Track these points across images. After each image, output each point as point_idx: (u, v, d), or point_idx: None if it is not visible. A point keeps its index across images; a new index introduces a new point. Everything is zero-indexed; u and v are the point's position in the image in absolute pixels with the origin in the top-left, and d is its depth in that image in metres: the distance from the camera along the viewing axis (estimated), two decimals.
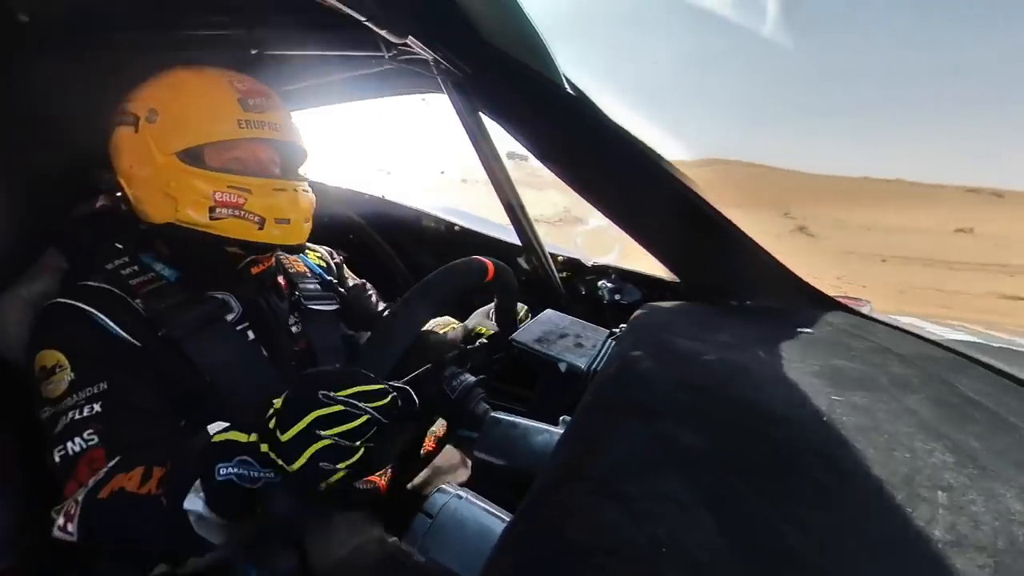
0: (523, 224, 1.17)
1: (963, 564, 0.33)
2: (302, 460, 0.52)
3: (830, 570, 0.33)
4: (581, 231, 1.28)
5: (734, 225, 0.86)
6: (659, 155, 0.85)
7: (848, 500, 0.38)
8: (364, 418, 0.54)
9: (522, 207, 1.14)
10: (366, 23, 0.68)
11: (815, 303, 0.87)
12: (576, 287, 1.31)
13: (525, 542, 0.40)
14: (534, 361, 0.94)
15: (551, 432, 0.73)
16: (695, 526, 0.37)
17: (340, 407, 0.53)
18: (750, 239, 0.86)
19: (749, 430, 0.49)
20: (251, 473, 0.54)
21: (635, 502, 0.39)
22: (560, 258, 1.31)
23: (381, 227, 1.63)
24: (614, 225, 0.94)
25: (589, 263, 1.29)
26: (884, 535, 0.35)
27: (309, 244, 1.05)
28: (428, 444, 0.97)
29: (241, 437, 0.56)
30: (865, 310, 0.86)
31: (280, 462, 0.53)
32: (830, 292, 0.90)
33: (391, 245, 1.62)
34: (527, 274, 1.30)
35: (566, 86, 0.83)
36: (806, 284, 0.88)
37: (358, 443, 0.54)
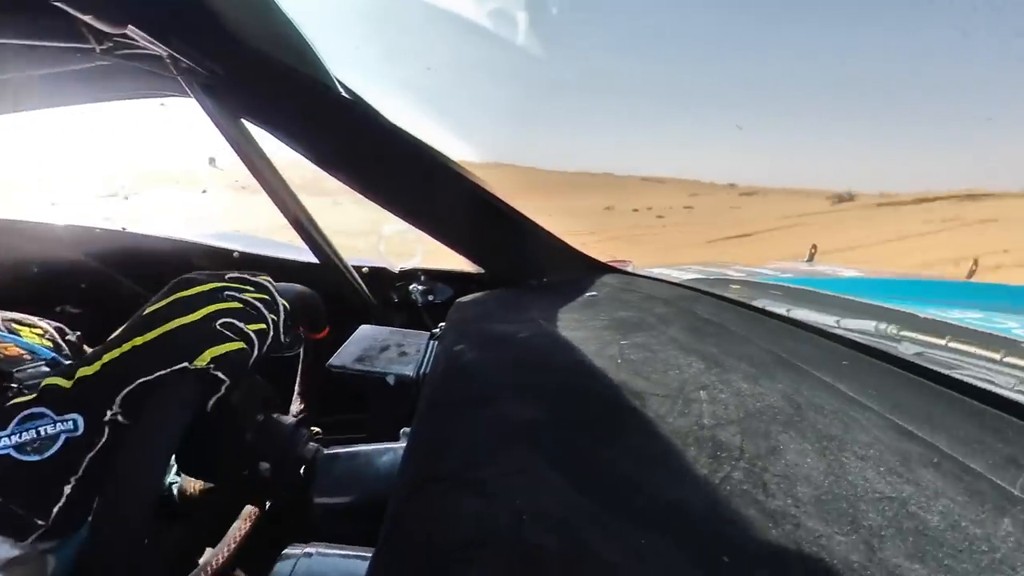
0: (316, 239, 1.07)
1: (725, 437, 0.44)
2: (198, 314, 0.44)
3: (656, 479, 0.40)
4: (381, 237, 1.24)
5: (520, 214, 0.95)
6: (444, 155, 0.88)
7: (649, 418, 0.48)
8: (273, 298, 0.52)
9: (311, 220, 1.05)
10: (56, 3, 0.52)
11: (593, 270, 1.03)
12: (388, 296, 1.28)
13: (393, 567, 0.38)
14: (359, 382, 0.88)
15: (394, 449, 0.70)
16: (548, 489, 0.40)
17: (252, 287, 0.50)
18: (536, 224, 0.97)
19: (571, 388, 0.56)
20: (42, 430, 0.38)
21: (489, 485, 0.41)
22: (365, 269, 1.25)
23: (128, 267, 1.30)
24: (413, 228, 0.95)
25: (396, 269, 1.27)
26: (677, 434, 0.45)
27: (20, 318, 0.76)
28: (240, 529, 0.77)
29: (26, 396, 0.41)
30: (630, 269, 1.06)
31: (122, 349, 0.41)
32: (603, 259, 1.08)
33: (147, 288, 1.31)
34: (331, 291, 1.21)
35: (339, 89, 0.79)
36: (584, 256, 1.03)
37: (269, 316, 0.51)
